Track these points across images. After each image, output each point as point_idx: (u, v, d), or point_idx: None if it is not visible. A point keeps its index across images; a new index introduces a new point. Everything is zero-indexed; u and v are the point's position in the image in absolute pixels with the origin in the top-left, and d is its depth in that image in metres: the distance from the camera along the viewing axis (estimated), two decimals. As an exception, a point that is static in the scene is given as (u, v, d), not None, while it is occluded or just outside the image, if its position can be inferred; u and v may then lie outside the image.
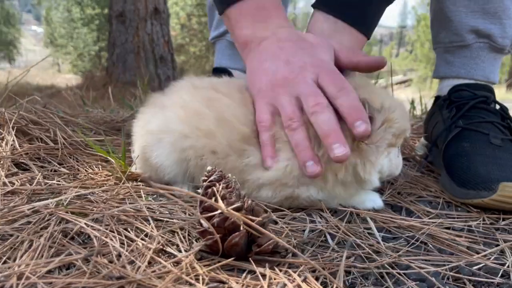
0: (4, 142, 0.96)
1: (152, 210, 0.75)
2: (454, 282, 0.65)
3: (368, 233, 0.76)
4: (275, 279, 0.55)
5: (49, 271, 0.53)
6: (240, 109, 0.82)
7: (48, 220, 0.64)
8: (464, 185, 0.91)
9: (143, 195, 0.81)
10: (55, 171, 0.93)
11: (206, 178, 0.62)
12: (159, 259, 0.56)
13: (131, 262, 0.56)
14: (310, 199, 0.82)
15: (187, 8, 16.72)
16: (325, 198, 0.82)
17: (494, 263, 0.69)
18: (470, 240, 0.77)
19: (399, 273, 0.64)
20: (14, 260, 0.55)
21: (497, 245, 0.75)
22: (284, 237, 0.70)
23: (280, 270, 0.58)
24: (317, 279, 0.59)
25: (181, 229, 0.69)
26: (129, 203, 0.73)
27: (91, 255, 0.52)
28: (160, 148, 0.83)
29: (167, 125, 0.83)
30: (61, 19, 22.95)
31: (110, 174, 0.92)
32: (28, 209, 0.65)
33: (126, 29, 5.10)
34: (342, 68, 0.88)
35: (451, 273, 0.65)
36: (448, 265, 0.67)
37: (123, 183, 0.86)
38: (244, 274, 0.56)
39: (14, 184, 0.79)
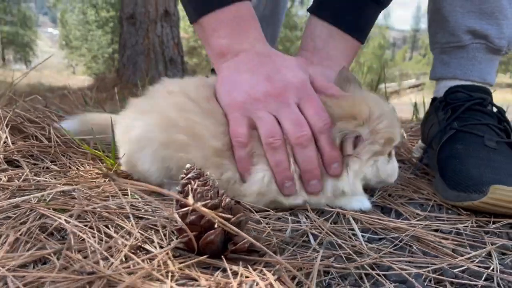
0: (-3, 139, 0.98)
1: (136, 207, 0.75)
2: (436, 284, 0.64)
3: (353, 234, 0.75)
4: (248, 277, 0.55)
5: (22, 265, 0.54)
6: (209, 121, 0.80)
7: (28, 215, 0.64)
8: (456, 187, 0.90)
9: (129, 193, 0.81)
10: (47, 168, 0.94)
11: (184, 175, 0.62)
12: (133, 256, 0.56)
13: (105, 258, 0.56)
14: (294, 204, 0.82)
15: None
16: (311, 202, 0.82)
17: (479, 266, 0.68)
18: (456, 242, 0.76)
19: (378, 274, 0.63)
20: (-11, 254, 0.55)
21: (484, 248, 0.74)
22: (265, 237, 0.70)
23: (255, 269, 0.57)
24: (293, 278, 0.58)
25: (164, 227, 0.69)
26: (112, 200, 0.74)
27: (61, 250, 0.52)
28: (143, 156, 0.82)
29: (147, 134, 0.82)
30: (76, 22, 23.26)
31: (100, 172, 0.93)
32: (8, 204, 0.66)
33: (136, 31, 5.15)
34: None
35: (434, 275, 0.65)
36: (431, 267, 0.66)
37: (113, 181, 0.86)
38: (217, 272, 0.56)
39: (1, 179, 0.80)
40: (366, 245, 0.72)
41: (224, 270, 0.57)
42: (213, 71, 1.34)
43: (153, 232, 0.66)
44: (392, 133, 0.82)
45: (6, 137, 0.96)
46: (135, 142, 0.83)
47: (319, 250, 0.68)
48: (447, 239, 0.77)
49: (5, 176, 0.81)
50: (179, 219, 0.57)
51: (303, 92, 0.79)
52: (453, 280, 0.64)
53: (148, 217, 0.70)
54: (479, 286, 0.63)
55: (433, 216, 0.87)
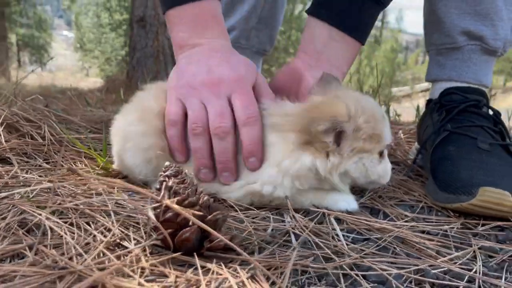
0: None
1: (121, 205, 0.75)
2: (416, 285, 0.63)
3: (336, 234, 0.75)
4: (221, 274, 0.55)
5: (-2, 260, 0.55)
6: None
7: (9, 211, 0.65)
8: (446, 189, 0.89)
9: (116, 191, 0.82)
10: (39, 166, 0.95)
11: (162, 173, 0.63)
12: (106, 252, 0.56)
13: (80, 254, 0.57)
14: (274, 196, 0.82)
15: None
16: (288, 194, 0.82)
17: (462, 268, 0.67)
18: (441, 244, 0.75)
19: (357, 275, 0.62)
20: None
21: (470, 251, 0.73)
22: (246, 235, 0.70)
23: (230, 267, 0.58)
24: (269, 278, 0.58)
25: (145, 224, 0.69)
26: (96, 198, 0.74)
27: (33, 244, 0.53)
28: (129, 151, 0.87)
29: (129, 127, 0.88)
30: (91, 24, 23.50)
31: (92, 170, 0.94)
32: (-11, 200, 0.67)
33: (146, 34, 5.19)
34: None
35: (415, 276, 0.64)
36: (412, 268, 0.66)
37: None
38: (190, 269, 0.56)
39: (-11, 176, 0.81)
40: (348, 245, 0.71)
41: (199, 267, 0.57)
42: None
43: (134, 229, 0.66)
44: (375, 129, 0.81)
45: (0, 135, 0.97)
46: (122, 138, 0.89)
47: (300, 249, 0.68)
48: (432, 240, 0.76)
49: (-6, 173, 0.82)
50: (152, 217, 0.57)
51: (236, 87, 0.82)
52: (434, 281, 0.64)
53: (130, 214, 0.71)
54: (460, 287, 0.63)
55: (421, 218, 0.86)
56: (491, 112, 1.06)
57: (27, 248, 0.55)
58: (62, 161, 0.98)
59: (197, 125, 0.80)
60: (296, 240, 0.71)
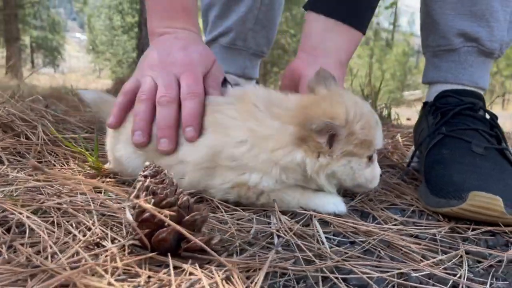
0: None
1: (105, 205, 0.75)
2: (398, 290, 0.62)
3: (319, 235, 0.74)
4: (195, 275, 0.55)
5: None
6: None
7: (-9, 209, 0.66)
8: (437, 193, 0.88)
9: (103, 191, 0.82)
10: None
11: (141, 173, 0.63)
12: (81, 251, 0.56)
13: (57, 253, 0.57)
14: (260, 188, 0.81)
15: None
16: (274, 187, 0.81)
17: (446, 272, 0.66)
18: (427, 248, 0.74)
19: (337, 278, 0.62)
20: None
21: (456, 255, 0.72)
22: (228, 237, 0.69)
23: (206, 268, 0.57)
24: (248, 278, 0.58)
25: (130, 224, 0.69)
26: (81, 197, 0.75)
27: (6, 242, 0.53)
28: (120, 142, 0.89)
29: (124, 123, 0.89)
30: (103, 27, 23.76)
31: (82, 170, 0.94)
32: (-29, 198, 0.67)
33: (154, 36, 5.23)
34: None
35: (397, 280, 0.63)
36: (395, 272, 0.65)
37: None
38: (165, 269, 0.56)
39: (-23, 175, 0.82)
40: (333, 248, 0.71)
41: (174, 268, 0.57)
42: None
43: (117, 229, 0.67)
44: (368, 136, 0.81)
45: (-7, 134, 0.98)
46: (116, 132, 0.91)
47: (281, 251, 0.67)
48: (419, 244, 0.75)
49: (-18, 172, 0.83)
50: (129, 217, 0.57)
51: (186, 68, 0.88)
52: (417, 285, 0.63)
53: (114, 214, 0.71)
54: (443, 292, 0.62)
55: (411, 222, 0.85)
56: (488, 116, 1.05)
57: (3, 245, 0.55)
58: (55, 161, 0.98)
59: (143, 93, 0.86)
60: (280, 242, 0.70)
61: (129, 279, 0.51)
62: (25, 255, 0.54)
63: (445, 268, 0.68)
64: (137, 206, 0.57)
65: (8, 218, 0.64)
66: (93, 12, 25.03)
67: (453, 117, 1.02)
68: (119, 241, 0.63)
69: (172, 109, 0.84)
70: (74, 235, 0.63)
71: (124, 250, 0.61)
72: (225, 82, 0.95)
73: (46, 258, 0.55)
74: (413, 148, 1.26)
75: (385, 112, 2.16)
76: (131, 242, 0.61)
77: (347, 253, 0.69)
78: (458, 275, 0.66)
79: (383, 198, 0.95)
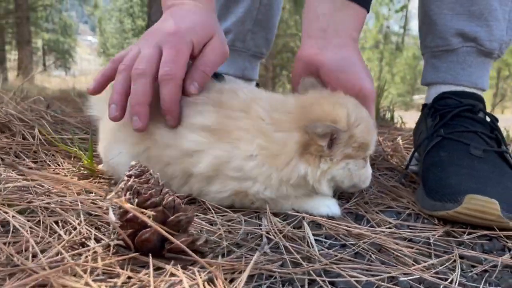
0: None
1: (94, 205, 0.75)
2: (388, 294, 0.61)
3: (308, 237, 0.73)
4: (177, 276, 0.54)
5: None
6: None
7: (-22, 208, 0.66)
8: (433, 196, 0.86)
9: (94, 191, 0.82)
10: (26, 165, 0.95)
11: (126, 172, 0.62)
12: (63, 251, 0.56)
13: (40, 252, 0.56)
14: (259, 196, 0.80)
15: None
16: (273, 197, 0.80)
17: (437, 277, 0.64)
18: (420, 252, 0.72)
19: (324, 281, 0.60)
20: None
21: (448, 259, 0.70)
22: (216, 238, 0.68)
23: (189, 270, 0.56)
24: (232, 281, 0.57)
25: (112, 224, 0.69)
26: (70, 197, 0.74)
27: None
28: (115, 147, 0.86)
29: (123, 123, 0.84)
30: (114, 30, 23.97)
31: (77, 170, 0.94)
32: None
33: (162, 38, 5.25)
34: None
35: (387, 284, 0.62)
36: (385, 275, 0.63)
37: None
38: (146, 270, 0.55)
39: (-31, 174, 0.82)
40: (323, 251, 0.69)
41: (157, 269, 0.56)
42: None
43: (105, 229, 0.66)
44: (366, 139, 0.81)
45: (-12, 134, 0.99)
46: (110, 132, 0.89)
47: (269, 253, 0.66)
48: (412, 248, 0.73)
49: (-26, 171, 0.83)
50: (112, 217, 0.57)
51: (168, 39, 0.81)
52: (407, 290, 0.61)
53: (102, 214, 0.70)
54: (433, 297, 0.60)
55: (406, 225, 0.83)
56: (488, 119, 1.03)
57: (-15, 245, 0.55)
58: (50, 161, 0.98)
59: (122, 63, 0.82)
60: (268, 244, 0.69)
61: (108, 279, 0.51)
62: (6, 254, 0.53)
63: (436, 273, 0.66)
64: (119, 206, 0.56)
65: (-6, 217, 0.64)
66: (104, 15, 25.26)
67: (451, 119, 1.00)
68: (105, 241, 0.63)
69: (143, 84, 0.79)
70: (59, 235, 0.63)
71: (109, 250, 0.60)
72: (217, 76, 0.92)
73: (27, 257, 0.55)
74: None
75: (388, 115, 2.14)
76: (115, 242, 0.61)
77: (336, 256, 0.68)
78: (449, 280, 0.64)
79: (379, 201, 0.94)
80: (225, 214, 0.80)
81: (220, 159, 0.78)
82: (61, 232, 0.63)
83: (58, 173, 0.92)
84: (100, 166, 0.96)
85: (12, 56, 16.57)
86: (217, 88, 0.86)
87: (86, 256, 0.55)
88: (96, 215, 0.69)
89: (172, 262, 0.56)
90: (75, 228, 0.65)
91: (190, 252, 0.53)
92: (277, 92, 0.91)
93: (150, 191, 0.60)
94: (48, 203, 0.70)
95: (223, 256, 0.64)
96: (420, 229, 0.82)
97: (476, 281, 0.65)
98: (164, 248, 0.60)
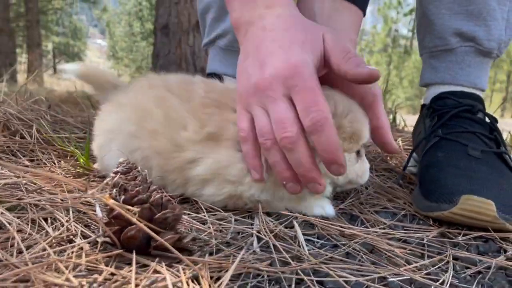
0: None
1: (87, 202, 0.75)
2: (377, 294, 0.60)
3: (305, 239, 0.72)
4: (161, 273, 0.53)
5: None
6: (185, 106, 0.81)
7: (-33, 204, 0.66)
8: (429, 197, 0.85)
9: (88, 189, 0.82)
10: (22, 163, 0.96)
11: (114, 169, 0.62)
12: (47, 247, 0.55)
13: (26, 248, 0.56)
14: (254, 199, 0.80)
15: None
16: (268, 198, 0.80)
17: (428, 278, 0.63)
18: (412, 253, 0.71)
19: (311, 280, 0.60)
20: None
21: (441, 260, 0.69)
22: (206, 236, 0.68)
23: (174, 267, 0.56)
24: (218, 279, 0.56)
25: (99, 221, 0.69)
26: (61, 194, 0.74)
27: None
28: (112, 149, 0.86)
29: (119, 125, 0.85)
30: (123, 33, 24.13)
31: (73, 169, 0.94)
32: None
33: (169, 42, 5.25)
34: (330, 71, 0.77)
35: (377, 285, 0.61)
36: (375, 276, 0.63)
37: (87, 176, 0.87)
38: (130, 267, 0.55)
39: (-37, 172, 0.82)
40: (314, 250, 0.69)
41: (141, 266, 0.56)
42: (207, 77, 1.35)
43: (94, 226, 0.66)
44: (357, 129, 0.78)
45: (-14, 133, 0.99)
46: (105, 134, 0.88)
47: (258, 252, 0.66)
48: (404, 248, 0.72)
49: (-32, 168, 0.83)
50: (99, 213, 0.56)
51: (293, 82, 0.69)
52: (397, 290, 0.60)
53: (91, 211, 0.70)
54: (424, 298, 0.59)
55: (400, 226, 0.82)
56: (488, 120, 1.01)
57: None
58: (46, 160, 0.99)
59: (265, 138, 0.71)
60: (258, 243, 0.69)
61: (89, 276, 0.50)
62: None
63: (428, 273, 0.65)
64: (105, 205, 0.56)
65: (-18, 214, 0.64)
66: (113, 19, 25.45)
67: (450, 119, 0.99)
68: (92, 238, 0.62)
69: (300, 150, 0.69)
70: (47, 232, 0.63)
71: (96, 247, 0.60)
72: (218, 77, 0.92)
73: (12, 253, 0.55)
74: (412, 152, 1.23)
75: (390, 117, 2.12)
76: (102, 239, 0.61)
77: (327, 255, 0.67)
78: (440, 281, 0.63)
79: (375, 201, 0.93)
80: (217, 212, 0.80)
81: (220, 163, 0.77)
82: (49, 229, 0.63)
83: (52, 171, 0.92)
84: (95, 165, 0.96)
85: (22, 59, 16.76)
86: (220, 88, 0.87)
87: (71, 253, 0.55)
88: (85, 213, 0.69)
89: (157, 259, 0.56)
90: (63, 225, 0.65)
91: (173, 250, 0.53)
92: None
93: (137, 188, 0.60)
94: (38, 200, 0.70)
95: (211, 254, 0.64)
96: (415, 230, 0.81)
97: (468, 283, 0.64)
98: (150, 245, 0.59)
